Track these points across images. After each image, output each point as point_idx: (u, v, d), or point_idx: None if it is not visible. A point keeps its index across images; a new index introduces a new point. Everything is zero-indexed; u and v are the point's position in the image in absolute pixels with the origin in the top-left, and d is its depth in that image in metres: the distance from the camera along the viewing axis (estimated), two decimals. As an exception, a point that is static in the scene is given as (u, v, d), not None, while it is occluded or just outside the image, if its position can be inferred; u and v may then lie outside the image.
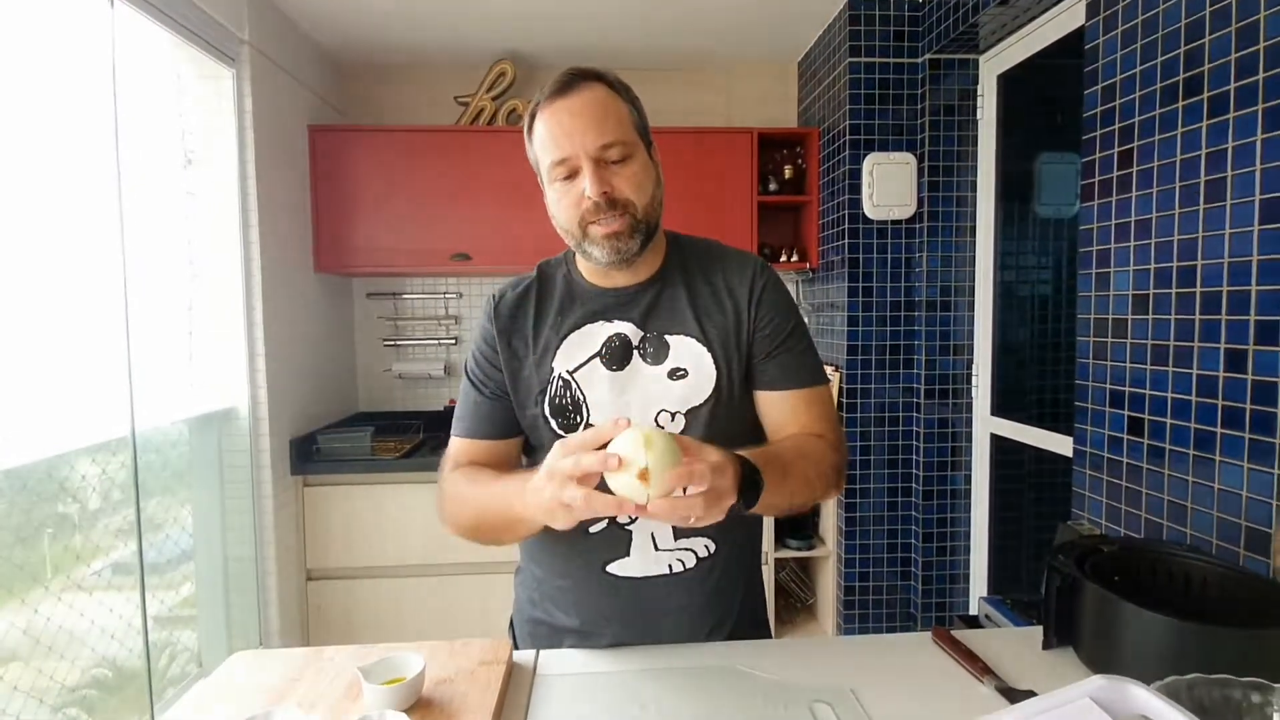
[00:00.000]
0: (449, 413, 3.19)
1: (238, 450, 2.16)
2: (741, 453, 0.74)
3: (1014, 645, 0.90)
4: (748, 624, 0.98)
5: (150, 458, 1.90)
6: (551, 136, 0.83)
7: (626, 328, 0.91)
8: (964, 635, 0.91)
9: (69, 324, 1.62)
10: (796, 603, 2.79)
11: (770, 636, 1.03)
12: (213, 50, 1.98)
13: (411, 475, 2.35)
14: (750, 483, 0.72)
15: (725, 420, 0.89)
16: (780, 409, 0.91)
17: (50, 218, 1.58)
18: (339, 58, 2.76)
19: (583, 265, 0.94)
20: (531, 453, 0.96)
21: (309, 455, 2.36)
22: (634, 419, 0.89)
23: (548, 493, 0.68)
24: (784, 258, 2.71)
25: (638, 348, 0.91)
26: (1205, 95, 1.21)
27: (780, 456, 0.80)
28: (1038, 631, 0.90)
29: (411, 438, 2.58)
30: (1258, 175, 1.12)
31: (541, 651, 0.91)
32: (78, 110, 1.63)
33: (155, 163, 1.96)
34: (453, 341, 2.91)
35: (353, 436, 2.41)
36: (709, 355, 0.90)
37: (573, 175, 0.84)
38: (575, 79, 0.84)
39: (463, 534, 0.89)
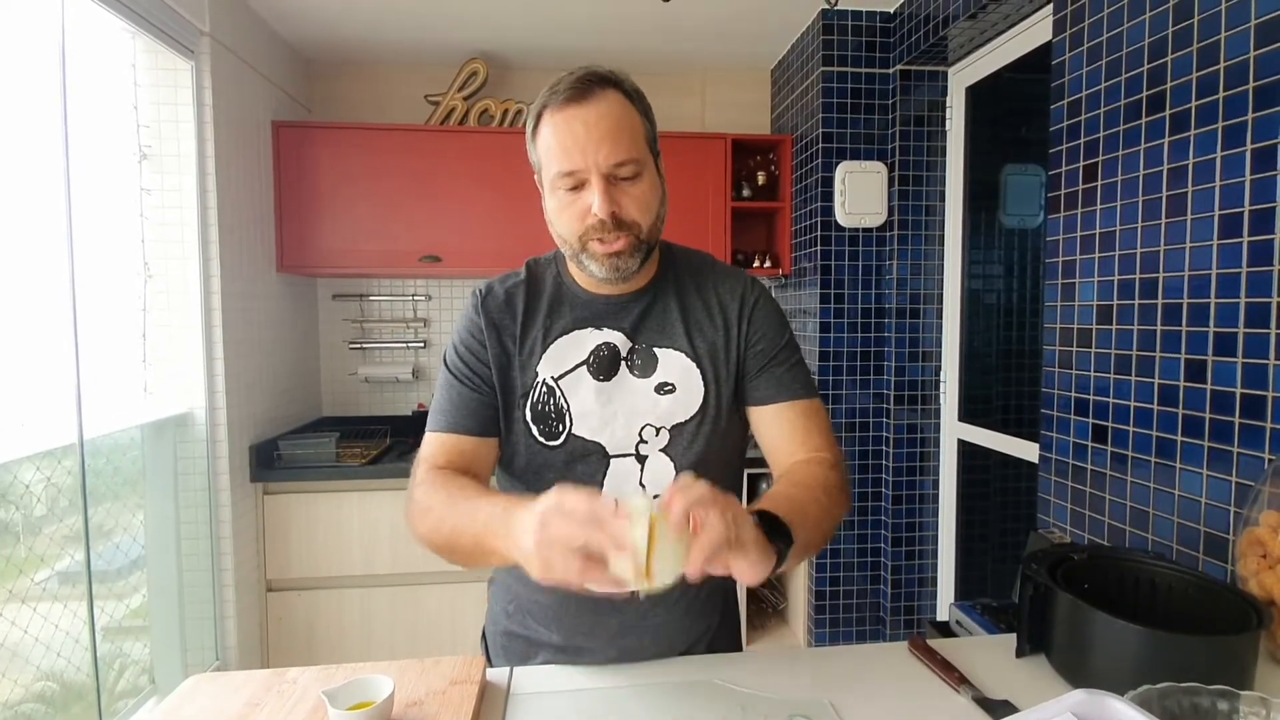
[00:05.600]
0: (417, 417, 3.10)
1: (194, 457, 2.07)
2: (753, 507, 0.71)
3: (988, 654, 0.90)
4: (724, 643, 0.98)
5: (100, 464, 1.81)
6: (562, 146, 0.78)
7: (616, 337, 0.88)
8: (939, 645, 0.91)
9: (12, 325, 1.54)
10: (768, 608, 2.80)
11: (741, 648, 1.02)
12: (170, 41, 1.90)
13: (378, 482, 2.29)
14: (776, 530, 0.69)
15: (710, 438, 0.88)
16: (775, 423, 0.89)
17: (-8, 213, 1.50)
18: (305, 53, 2.69)
19: (574, 271, 0.90)
20: (504, 457, 0.91)
21: (270, 462, 2.28)
22: (619, 432, 0.86)
23: (533, 540, 0.62)
24: (757, 264, 2.72)
25: (625, 359, 0.88)
26: (1167, 112, 1.25)
27: (789, 497, 0.77)
28: (1010, 639, 0.91)
29: (378, 443, 2.52)
30: (1217, 191, 1.16)
31: (516, 669, 0.89)
32: (22, 100, 1.55)
33: (107, 156, 1.87)
34: (421, 345, 2.85)
35: (316, 442, 2.34)
36: (698, 371, 0.88)
37: (579, 187, 0.80)
38: (591, 84, 0.78)
39: (432, 550, 0.84)
